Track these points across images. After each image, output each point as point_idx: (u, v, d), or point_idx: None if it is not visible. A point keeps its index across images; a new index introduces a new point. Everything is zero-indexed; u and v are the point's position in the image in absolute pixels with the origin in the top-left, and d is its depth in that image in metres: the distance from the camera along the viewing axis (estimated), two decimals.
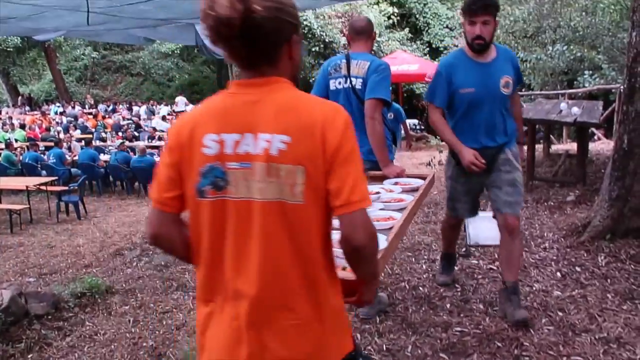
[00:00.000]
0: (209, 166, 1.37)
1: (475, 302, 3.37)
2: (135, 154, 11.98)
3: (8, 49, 25.99)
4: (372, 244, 1.35)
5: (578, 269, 3.76)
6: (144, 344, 4.10)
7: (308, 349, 1.39)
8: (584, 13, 12.99)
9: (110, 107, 23.97)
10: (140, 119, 19.65)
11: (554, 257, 3.98)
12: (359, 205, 1.31)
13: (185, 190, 1.43)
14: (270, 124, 1.34)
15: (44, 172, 11.44)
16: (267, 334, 1.37)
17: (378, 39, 19.61)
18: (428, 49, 22.06)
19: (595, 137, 11.23)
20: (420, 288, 3.65)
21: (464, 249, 4.23)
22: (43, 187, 9.97)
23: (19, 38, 24.93)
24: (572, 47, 12.98)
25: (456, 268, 3.92)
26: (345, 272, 1.53)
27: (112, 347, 4.16)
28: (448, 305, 3.35)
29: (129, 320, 4.55)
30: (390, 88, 3.33)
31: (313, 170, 1.32)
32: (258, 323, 1.37)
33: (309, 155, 1.32)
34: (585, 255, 3.95)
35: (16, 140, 14.63)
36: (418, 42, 22.18)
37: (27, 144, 14.06)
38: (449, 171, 3.39)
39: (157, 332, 4.30)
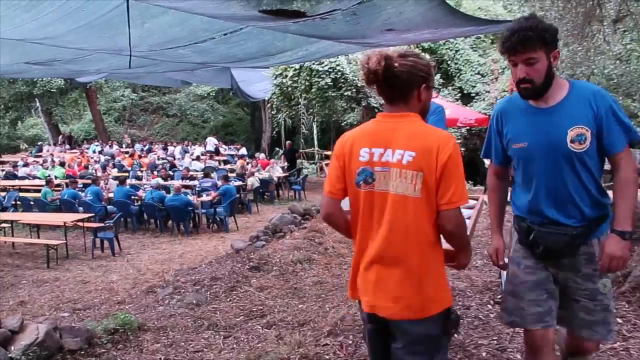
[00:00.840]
0: (362, 168, 2.12)
1: (512, 352, 3.28)
2: (169, 193, 12.21)
3: (52, 90, 26.98)
4: (459, 229, 2.08)
5: (620, 320, 3.63)
6: None
7: (411, 292, 2.07)
8: (617, 61, 12.92)
9: (147, 147, 24.57)
10: (175, 159, 20.06)
11: None
12: (455, 205, 2.02)
13: (347, 183, 2.18)
14: (403, 144, 2.05)
15: (81, 208, 11.70)
16: (386, 271, 2.11)
17: None
18: (460, 94, 22.13)
19: None
20: (456, 335, 3.57)
21: (500, 297, 4.14)
22: (80, 224, 10.20)
23: (62, 80, 25.93)
24: None
25: (492, 315, 3.84)
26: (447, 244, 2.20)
27: None
28: (484, 354, 3.27)
29: (160, 359, 4.55)
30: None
31: (428, 176, 2.01)
32: (381, 262, 2.12)
33: (427, 166, 2.01)
34: (626, 306, 3.83)
35: (56, 178, 15.06)
36: (450, 88, 22.29)
37: (67, 181, 14.45)
38: (510, 251, 2.53)
39: None
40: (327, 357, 3.40)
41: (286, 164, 18.31)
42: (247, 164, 17.31)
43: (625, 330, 3.47)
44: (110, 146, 24.20)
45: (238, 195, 12.87)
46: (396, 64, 2.05)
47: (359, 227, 2.20)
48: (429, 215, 2.07)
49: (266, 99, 21.28)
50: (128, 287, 7.18)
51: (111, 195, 12.62)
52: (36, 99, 28.44)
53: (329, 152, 19.15)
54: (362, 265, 2.18)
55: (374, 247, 2.13)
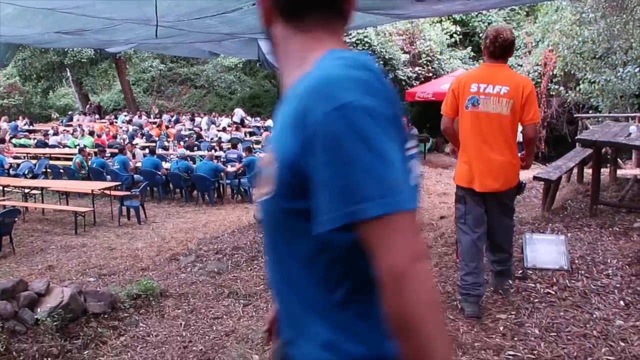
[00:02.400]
0: (472, 96, 3.44)
1: (530, 327, 3.23)
2: (195, 164, 12.33)
3: (82, 60, 27.23)
4: (535, 137, 3.53)
5: None
6: (194, 348, 4.17)
7: (503, 175, 3.50)
8: None
9: (174, 118, 24.73)
10: (201, 130, 20.17)
11: (618, 285, 3.78)
12: (534, 121, 3.44)
13: (459, 107, 3.52)
14: (501, 81, 3.41)
15: (109, 177, 11.89)
16: (489, 164, 3.48)
17: (439, 56, 19.40)
18: None
19: None
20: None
21: (520, 271, 4.08)
22: (107, 192, 10.37)
23: (92, 50, 26.16)
24: None
25: (512, 290, 3.79)
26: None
27: (164, 349, 4.26)
28: (501, 328, 3.24)
29: (181, 324, 4.64)
30: None
31: (516, 102, 3.38)
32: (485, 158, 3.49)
33: (515, 96, 3.38)
34: None
35: (85, 147, 15.31)
36: (480, 62, 21.82)
37: (95, 150, 14.67)
38: None
39: (207, 337, 4.37)
40: None
41: None
42: None
43: None
44: (139, 116, 24.43)
45: None
46: (512, 37, 3.54)
47: (466, 136, 3.55)
48: (513, 127, 3.48)
49: None
50: (152, 255, 7.29)
51: (139, 164, 12.78)
52: (67, 69, 28.78)
53: None
54: (472, 161, 3.52)
55: (479, 148, 3.48)
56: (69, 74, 29.89)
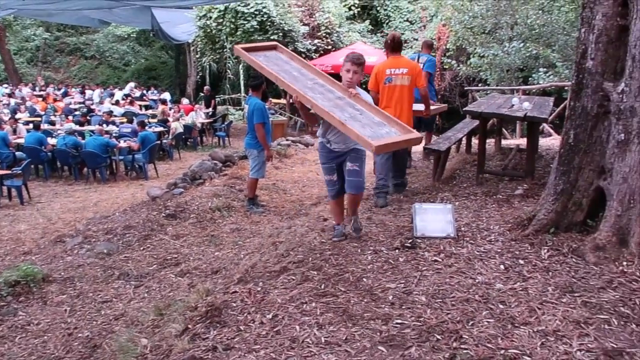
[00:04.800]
0: (388, 77, 5.62)
1: (417, 294, 3.33)
2: (84, 139, 11.64)
3: None
4: (427, 95, 6.21)
5: (521, 261, 3.76)
6: (79, 335, 3.96)
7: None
8: (540, 11, 13.21)
9: (62, 90, 23.17)
10: (92, 103, 19.05)
11: (499, 250, 3.99)
12: (423, 85, 5.96)
13: (379, 84, 5.69)
14: (403, 65, 5.69)
15: None
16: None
17: (338, 29, 19.49)
18: None
19: (547, 133, 11.48)
20: (364, 279, 3.60)
21: (410, 241, 4.20)
22: None
23: None
24: (528, 44, 13.20)
25: (401, 259, 3.89)
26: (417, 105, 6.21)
27: (45, 337, 4.02)
28: (390, 297, 3.31)
29: (65, 310, 4.40)
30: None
31: (413, 77, 5.66)
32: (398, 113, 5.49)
33: (412, 73, 5.66)
34: (529, 248, 3.96)
35: None
36: (378, 35, 22.20)
37: None
38: None
39: (94, 322, 4.17)
40: (235, 304, 3.34)
41: (211, 109, 17.79)
42: (170, 109, 16.70)
43: (525, 271, 3.60)
44: (20, 89, 22.63)
45: (158, 142, 12.43)
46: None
47: (386, 101, 5.50)
48: (411, 92, 5.61)
49: (190, 41, 20.44)
50: (36, 237, 6.83)
51: (21, 140, 11.87)
52: None
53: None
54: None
55: (392, 107, 5.40)
56: None
